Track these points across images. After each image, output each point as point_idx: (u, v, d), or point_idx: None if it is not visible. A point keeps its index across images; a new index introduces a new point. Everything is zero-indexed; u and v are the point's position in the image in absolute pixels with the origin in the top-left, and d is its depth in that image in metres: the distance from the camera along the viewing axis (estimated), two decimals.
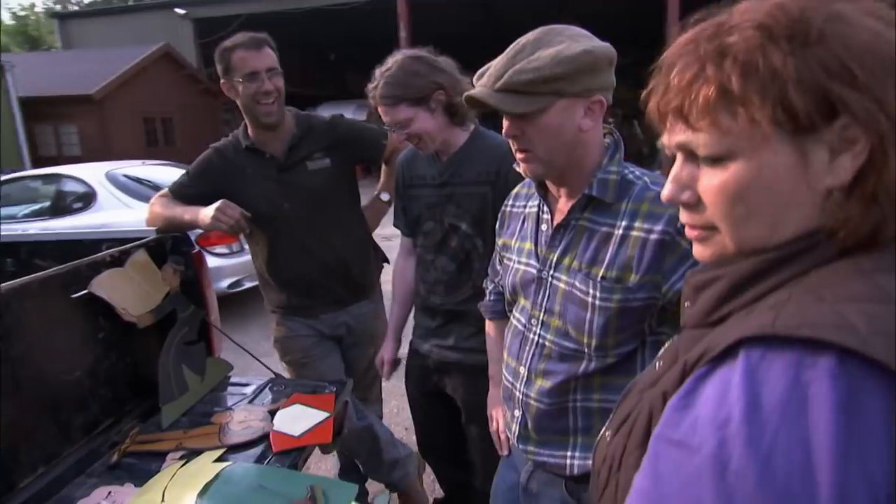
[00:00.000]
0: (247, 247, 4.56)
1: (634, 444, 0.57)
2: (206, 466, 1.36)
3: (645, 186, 0.99)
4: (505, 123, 0.99)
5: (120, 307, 1.55)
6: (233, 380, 1.86)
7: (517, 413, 1.12)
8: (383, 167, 2.16)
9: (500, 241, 1.25)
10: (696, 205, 0.55)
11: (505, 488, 1.23)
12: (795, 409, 0.40)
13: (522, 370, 1.09)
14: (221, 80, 1.86)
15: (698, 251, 0.58)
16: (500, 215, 1.27)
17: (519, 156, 1.01)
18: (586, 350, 1.01)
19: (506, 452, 1.26)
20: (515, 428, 1.13)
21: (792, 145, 0.48)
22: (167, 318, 1.70)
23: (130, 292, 1.60)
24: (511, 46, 0.95)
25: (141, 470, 1.38)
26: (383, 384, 2.24)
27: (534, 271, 1.08)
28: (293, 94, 1.86)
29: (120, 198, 4.65)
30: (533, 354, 1.08)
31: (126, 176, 4.95)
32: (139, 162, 5.59)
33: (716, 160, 0.51)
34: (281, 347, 2.07)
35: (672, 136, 0.55)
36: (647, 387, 0.61)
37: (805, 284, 0.49)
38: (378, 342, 2.10)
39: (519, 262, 1.13)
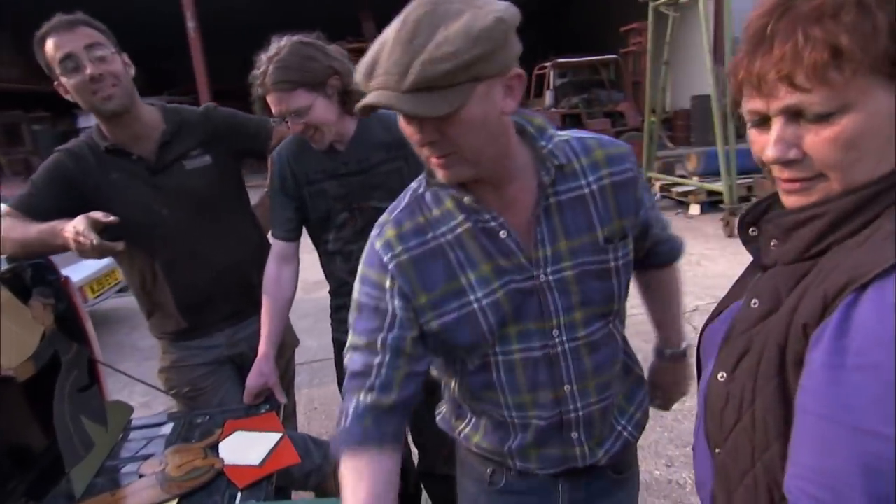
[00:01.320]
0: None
1: (768, 376, 0.61)
2: None
3: (576, 139, 0.94)
4: (413, 131, 0.80)
5: None
6: (137, 422, 1.58)
7: (574, 435, 0.98)
8: (270, 161, 1.98)
9: (421, 300, 0.91)
10: (801, 160, 0.61)
11: None
12: None
13: (568, 388, 0.95)
14: (54, 83, 1.53)
15: (796, 200, 0.63)
16: (396, 270, 0.91)
17: (437, 161, 0.82)
18: (612, 319, 0.97)
19: None
20: (579, 451, 0.99)
21: (889, 89, 0.56)
22: (48, 365, 1.37)
23: None
24: (397, 28, 0.75)
25: None
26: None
27: (524, 285, 0.90)
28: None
29: None
30: (573, 362, 0.95)
31: None
32: None
33: (825, 116, 0.57)
34: (166, 379, 1.79)
35: (773, 102, 0.59)
36: (752, 325, 0.66)
37: None
38: (286, 353, 1.95)
39: (489, 294, 0.90)
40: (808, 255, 0.62)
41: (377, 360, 0.91)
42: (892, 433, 0.48)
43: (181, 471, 1.29)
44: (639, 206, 0.95)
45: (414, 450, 1.92)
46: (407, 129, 0.81)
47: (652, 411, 1.15)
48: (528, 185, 0.89)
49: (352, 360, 0.94)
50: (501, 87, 0.80)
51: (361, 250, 1.59)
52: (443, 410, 1.14)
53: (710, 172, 7.20)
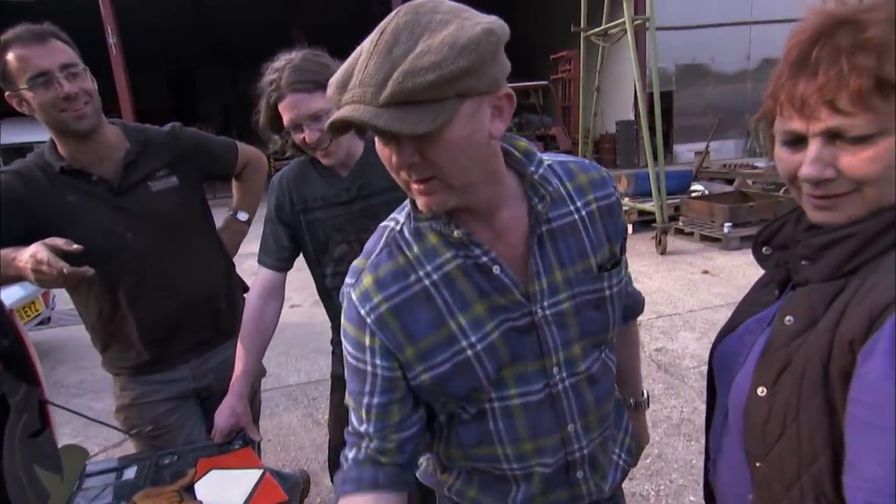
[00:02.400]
0: None
1: (813, 390, 0.64)
2: None
3: (557, 163, 0.90)
4: (390, 152, 0.74)
5: None
6: (92, 468, 1.44)
7: (580, 475, 0.94)
8: (234, 183, 1.89)
9: (408, 353, 0.83)
10: (833, 179, 0.65)
11: None
12: None
13: (572, 427, 0.91)
14: (6, 93, 1.42)
15: (826, 216, 0.68)
16: (376, 324, 0.83)
17: (417, 187, 0.76)
18: (605, 348, 0.94)
19: None
20: (586, 489, 0.96)
21: None
22: None
23: None
24: (374, 38, 0.69)
25: None
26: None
27: (520, 322, 0.84)
28: None
29: None
30: (575, 399, 0.90)
31: None
32: None
33: (865, 139, 0.62)
34: (125, 418, 1.66)
35: (813, 123, 0.64)
36: (790, 341, 0.69)
37: None
38: (254, 384, 1.85)
39: (483, 338, 0.83)
40: (840, 273, 0.66)
41: (364, 428, 0.87)
42: None
43: None
44: (624, 230, 0.95)
45: None
46: (384, 152, 0.75)
47: None
48: (519, 214, 0.84)
49: (350, 415, 0.91)
50: (489, 107, 0.74)
51: None
52: (423, 463, 1.06)
53: (640, 193, 7.58)
